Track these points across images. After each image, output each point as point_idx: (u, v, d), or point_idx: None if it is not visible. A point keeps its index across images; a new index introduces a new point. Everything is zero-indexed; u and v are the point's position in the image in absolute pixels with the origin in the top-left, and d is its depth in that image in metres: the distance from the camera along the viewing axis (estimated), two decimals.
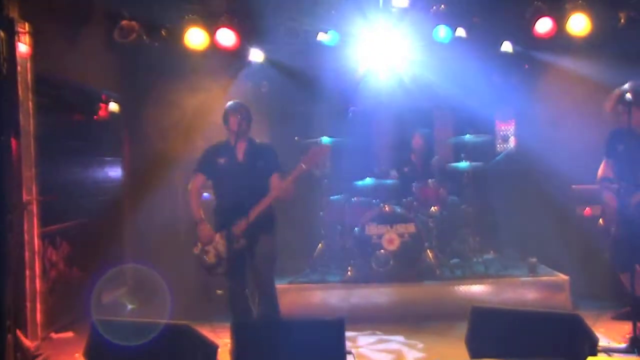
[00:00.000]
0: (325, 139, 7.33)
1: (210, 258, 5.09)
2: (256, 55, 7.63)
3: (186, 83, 7.70)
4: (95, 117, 7.16)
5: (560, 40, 7.12)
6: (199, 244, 5.13)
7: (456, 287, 6.68)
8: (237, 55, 7.48)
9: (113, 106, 7.41)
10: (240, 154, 5.18)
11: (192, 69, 7.55)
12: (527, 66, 7.97)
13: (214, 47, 7.10)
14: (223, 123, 5.24)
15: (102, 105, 7.27)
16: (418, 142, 7.85)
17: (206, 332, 5.69)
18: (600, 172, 5.42)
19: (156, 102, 7.67)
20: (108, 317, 4.50)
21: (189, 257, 5.34)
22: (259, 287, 5.18)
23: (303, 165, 5.02)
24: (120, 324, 4.16)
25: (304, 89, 8.05)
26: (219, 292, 6.38)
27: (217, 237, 5.08)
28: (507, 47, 7.54)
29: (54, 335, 6.00)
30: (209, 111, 7.71)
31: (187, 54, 7.19)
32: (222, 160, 5.17)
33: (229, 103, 5.28)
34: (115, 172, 7.60)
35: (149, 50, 7.16)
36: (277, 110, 8.16)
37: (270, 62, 7.75)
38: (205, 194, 5.65)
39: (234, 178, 5.03)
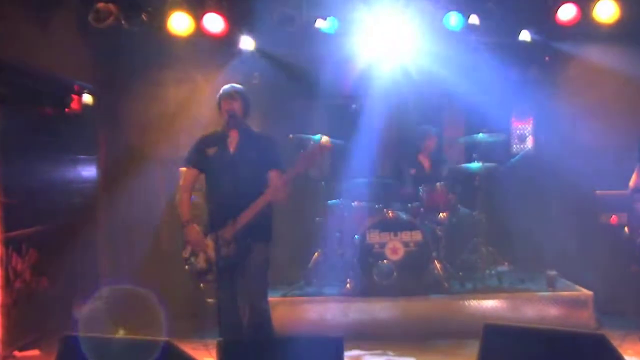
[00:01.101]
0: (321, 138, 7.29)
1: (201, 262, 5.03)
2: (247, 43, 7.61)
3: (169, 73, 7.70)
4: (66, 110, 7.13)
5: (585, 29, 7.10)
6: (188, 247, 5.11)
7: (467, 302, 6.69)
8: (225, 43, 7.46)
9: (87, 98, 7.38)
10: (232, 145, 5.11)
11: (175, 57, 7.54)
12: (547, 58, 7.97)
13: (200, 33, 7.07)
14: (217, 109, 5.21)
15: (74, 97, 7.23)
16: (431, 144, 7.85)
17: (198, 349, 5.75)
18: (633, 181, 5.37)
19: (135, 94, 7.66)
20: (80, 333, 4.47)
21: (173, 264, 5.32)
22: (250, 300, 5.13)
23: (299, 166, 5.00)
24: (95, 340, 4.12)
25: (299, 81, 8.06)
26: (210, 300, 6.35)
27: (208, 240, 5.05)
28: (525, 36, 7.54)
29: (17, 354, 5.95)
30: (195, 104, 7.72)
31: (170, 41, 7.16)
32: (211, 151, 5.08)
33: (224, 87, 5.24)
34: (89, 171, 7.57)
35: (127, 37, 7.11)
36: (269, 105, 8.13)
37: (262, 51, 7.73)
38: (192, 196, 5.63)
39: (223, 172, 4.94)
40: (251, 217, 4.94)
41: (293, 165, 5.04)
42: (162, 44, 7.25)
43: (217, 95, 5.18)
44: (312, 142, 5.06)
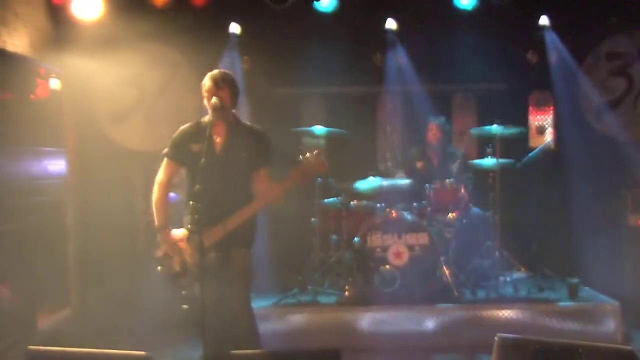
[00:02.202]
0: (318, 129, 7.31)
1: (175, 265, 5.01)
2: (234, 27, 7.60)
3: (147, 55, 7.63)
4: (31, 96, 7.07)
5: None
6: (163, 246, 5.06)
7: (479, 313, 6.70)
8: (210, 17, 7.43)
9: (54, 83, 7.33)
10: (219, 141, 5.06)
11: (154, 36, 7.47)
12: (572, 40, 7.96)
13: (180, 3, 7.02)
14: (202, 97, 5.13)
15: (40, 81, 7.18)
16: (434, 134, 7.79)
17: None
18: None
19: (109, 79, 7.60)
20: (45, 346, 4.43)
21: (150, 270, 5.28)
22: (233, 311, 5.06)
23: (290, 182, 4.91)
24: (63, 355, 4.08)
25: (293, 65, 8.02)
26: (185, 307, 6.30)
27: (184, 244, 5.02)
28: (546, 19, 7.58)
29: None
30: (176, 91, 7.67)
31: (148, 14, 7.12)
32: (196, 148, 4.97)
33: (210, 73, 5.16)
34: (56, 165, 7.48)
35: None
36: (259, 92, 8.11)
37: (251, 32, 7.71)
38: (171, 194, 5.57)
39: (208, 172, 4.85)
40: (238, 225, 4.92)
41: (287, 175, 4.95)
42: (138, 20, 7.10)
43: (203, 82, 5.09)
44: (307, 154, 4.96)
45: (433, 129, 7.79)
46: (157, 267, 5.06)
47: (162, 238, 5.06)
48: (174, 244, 5.02)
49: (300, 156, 4.91)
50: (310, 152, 4.93)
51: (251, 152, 5.04)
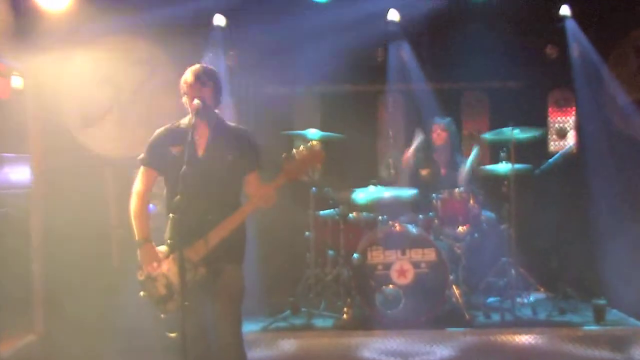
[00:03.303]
0: (312, 132, 7.29)
1: (160, 288, 4.94)
2: (218, 19, 7.64)
3: (121, 50, 7.57)
4: None
5: None
6: (145, 269, 5.00)
7: (492, 338, 6.66)
8: (191, 8, 7.40)
9: (17, 82, 7.27)
10: (201, 143, 5.02)
11: (129, 29, 7.41)
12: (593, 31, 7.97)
13: None
14: (182, 96, 5.09)
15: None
16: (438, 134, 7.80)
17: None
18: None
19: (79, 76, 7.54)
20: None
21: (126, 289, 5.24)
22: (220, 335, 5.03)
23: (284, 177, 4.89)
24: None
25: (284, 62, 8.02)
26: (172, 334, 6.23)
27: (169, 262, 4.95)
28: (567, 9, 7.62)
29: None
30: (154, 90, 7.63)
31: (122, 5, 7.10)
32: (176, 151, 4.95)
33: (192, 68, 5.10)
34: (19, 174, 7.44)
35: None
36: (246, 92, 8.09)
37: (238, 24, 7.71)
38: (150, 205, 5.52)
39: (190, 179, 4.84)
40: (226, 235, 4.87)
41: (279, 173, 4.92)
42: (111, 10, 7.10)
43: (183, 78, 5.03)
44: (301, 147, 4.95)
45: (437, 130, 7.80)
46: (140, 292, 4.99)
47: (144, 255, 5.01)
48: (157, 261, 4.96)
49: (294, 149, 4.89)
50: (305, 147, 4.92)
51: (237, 154, 5.01)
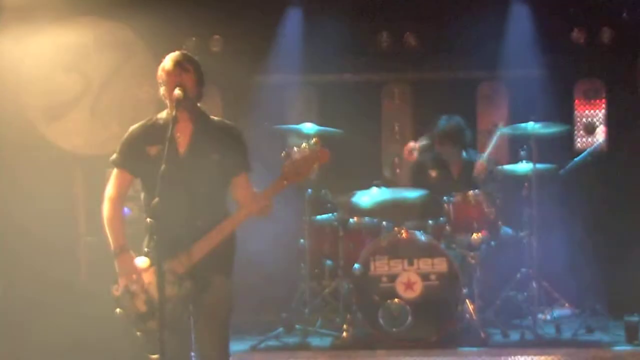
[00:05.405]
0: (308, 127, 7.31)
1: (139, 304, 4.90)
2: None
3: (92, 34, 7.61)
4: None
5: None
6: (121, 282, 5.03)
7: (511, 359, 6.66)
8: None
9: None
10: (183, 140, 5.00)
11: (101, 9, 7.47)
12: (625, 14, 8.00)
13: None
14: (160, 87, 5.13)
15: None
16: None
17: None
18: None
19: (44, 63, 7.58)
20: None
21: (98, 303, 5.23)
22: (205, 356, 5.03)
23: (285, 181, 4.89)
24: None
25: (277, 47, 8.07)
26: (154, 357, 6.29)
27: (150, 274, 4.98)
28: None
29: None
30: (130, 80, 7.65)
31: None
32: (153, 151, 4.95)
33: (171, 54, 5.12)
34: None
35: None
36: (234, 81, 8.11)
37: (224, 5, 7.79)
38: (125, 209, 5.55)
39: (170, 180, 4.86)
40: (213, 246, 4.88)
41: (275, 179, 4.92)
42: None
43: (161, 66, 5.04)
44: (304, 145, 4.97)
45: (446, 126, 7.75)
46: (115, 309, 4.94)
47: (121, 266, 5.00)
48: (137, 273, 4.97)
49: (295, 148, 4.94)
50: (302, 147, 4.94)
51: (224, 152, 4.99)
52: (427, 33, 8.25)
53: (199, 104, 5.09)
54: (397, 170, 7.85)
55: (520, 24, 7.77)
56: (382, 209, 7.43)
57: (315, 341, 7.13)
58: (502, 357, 6.71)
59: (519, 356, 6.67)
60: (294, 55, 7.98)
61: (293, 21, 7.94)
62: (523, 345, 6.90)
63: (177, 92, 4.84)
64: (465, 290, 7.01)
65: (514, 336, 7.10)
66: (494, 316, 7.29)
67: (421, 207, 7.57)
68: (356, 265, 7.00)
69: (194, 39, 7.81)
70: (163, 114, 5.05)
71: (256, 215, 4.97)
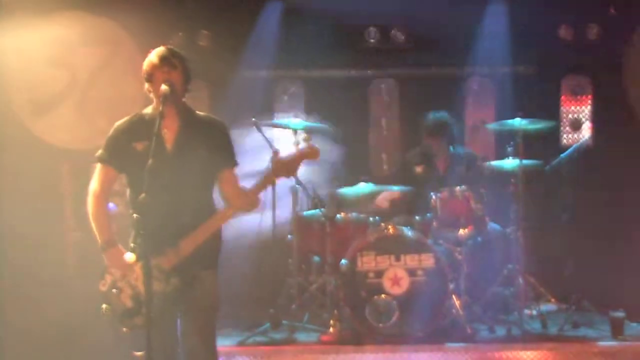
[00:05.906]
0: (295, 122, 7.30)
1: (125, 300, 4.92)
2: None
3: (79, 28, 7.58)
4: None
5: None
6: (109, 277, 5.02)
7: (497, 354, 6.67)
8: None
9: None
10: (169, 136, 5.01)
11: (88, 3, 7.44)
12: (613, 10, 8.02)
13: None
14: (145, 83, 5.11)
15: None
16: (429, 137, 7.77)
17: None
18: None
19: (30, 57, 7.55)
20: None
21: (83, 301, 5.21)
22: (192, 351, 5.03)
23: (274, 177, 4.93)
24: None
25: (264, 42, 8.04)
26: (138, 353, 6.28)
27: (137, 270, 4.97)
28: None
29: None
30: (117, 74, 7.63)
31: None
32: (140, 146, 4.96)
33: (157, 49, 5.11)
34: None
35: None
36: (221, 76, 8.10)
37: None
38: (110, 204, 5.54)
39: (158, 177, 4.85)
40: (200, 242, 4.90)
41: (266, 170, 4.97)
42: None
43: (146, 62, 5.03)
44: (295, 142, 4.98)
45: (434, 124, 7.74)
46: (102, 304, 4.95)
47: (110, 260, 4.99)
48: (123, 266, 4.96)
49: (290, 145, 4.91)
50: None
51: (211, 147, 5.01)
52: (414, 29, 8.23)
53: (184, 99, 5.11)
54: (385, 167, 7.86)
55: (507, 21, 7.74)
56: (369, 205, 7.44)
57: (302, 336, 7.10)
58: (488, 352, 6.70)
59: (506, 351, 6.67)
60: (282, 50, 7.94)
61: (280, 16, 7.88)
62: (509, 341, 6.89)
63: (164, 87, 4.85)
64: (452, 286, 6.97)
65: (501, 331, 7.09)
66: (480, 311, 7.30)
67: (408, 203, 7.56)
68: (343, 261, 6.99)
69: (180, 33, 7.77)
70: (149, 110, 5.05)
71: (244, 211, 5.01)
